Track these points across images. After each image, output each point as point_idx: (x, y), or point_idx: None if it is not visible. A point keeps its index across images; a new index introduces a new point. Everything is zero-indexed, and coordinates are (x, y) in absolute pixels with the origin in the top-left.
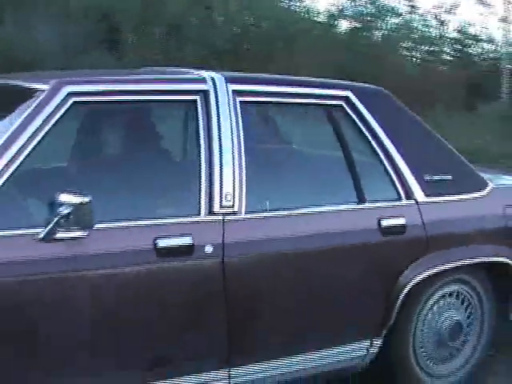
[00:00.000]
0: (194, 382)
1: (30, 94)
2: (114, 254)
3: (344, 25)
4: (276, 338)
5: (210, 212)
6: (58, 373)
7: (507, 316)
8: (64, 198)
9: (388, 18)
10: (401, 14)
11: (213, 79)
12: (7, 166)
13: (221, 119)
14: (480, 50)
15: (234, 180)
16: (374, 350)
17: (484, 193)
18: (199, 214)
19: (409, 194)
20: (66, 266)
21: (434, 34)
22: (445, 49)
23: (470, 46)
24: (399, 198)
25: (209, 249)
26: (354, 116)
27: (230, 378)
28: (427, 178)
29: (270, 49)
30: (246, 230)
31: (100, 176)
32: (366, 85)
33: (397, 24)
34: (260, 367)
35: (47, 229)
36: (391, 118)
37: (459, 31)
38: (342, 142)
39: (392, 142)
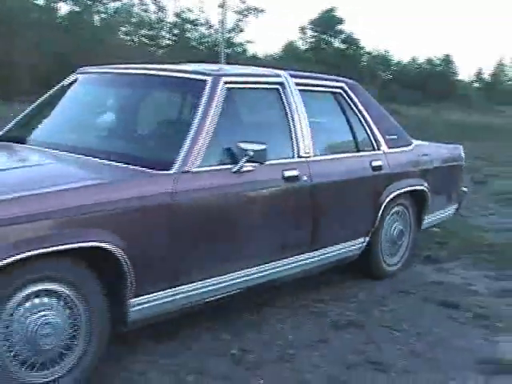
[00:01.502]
0: (293, 261)
1: (197, 83)
2: (265, 180)
3: (64, 8)
4: (332, 232)
5: (299, 156)
6: (237, 251)
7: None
8: (249, 146)
9: (108, 3)
10: None
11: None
12: (211, 131)
13: (295, 100)
14: (198, 35)
15: (308, 137)
16: (364, 245)
17: (411, 147)
18: (294, 157)
19: (380, 147)
20: (244, 188)
21: (153, 19)
22: (164, 33)
23: (189, 31)
24: (377, 149)
25: (304, 177)
26: (347, 98)
27: (313, 255)
28: (387, 137)
29: None
30: (317, 166)
31: (258, 134)
32: (351, 80)
33: (116, 8)
34: (323, 250)
35: (238, 166)
36: (365, 100)
37: (177, 16)
38: (345, 114)
39: (368, 114)
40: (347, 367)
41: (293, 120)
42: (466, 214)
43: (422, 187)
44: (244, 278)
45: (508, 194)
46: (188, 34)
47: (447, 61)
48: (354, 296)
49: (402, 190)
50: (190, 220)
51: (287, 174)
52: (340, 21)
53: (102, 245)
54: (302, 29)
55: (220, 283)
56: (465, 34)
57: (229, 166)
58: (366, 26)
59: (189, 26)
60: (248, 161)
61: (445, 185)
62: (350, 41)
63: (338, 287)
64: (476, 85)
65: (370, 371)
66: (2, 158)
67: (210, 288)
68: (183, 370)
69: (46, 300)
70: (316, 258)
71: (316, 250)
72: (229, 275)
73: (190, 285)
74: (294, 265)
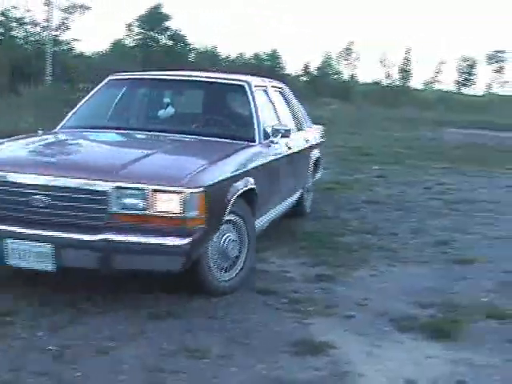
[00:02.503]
0: (293, 198)
1: (237, 87)
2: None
3: None
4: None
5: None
6: (281, 191)
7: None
8: (280, 126)
9: None
10: None
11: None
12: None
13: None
14: (24, 34)
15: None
16: (300, 196)
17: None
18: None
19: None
20: (278, 155)
21: None
22: None
23: (14, 29)
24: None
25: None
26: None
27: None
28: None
29: None
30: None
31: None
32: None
33: None
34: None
35: (276, 139)
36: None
37: (2, 14)
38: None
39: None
40: (164, 355)
41: (292, 110)
42: None
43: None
44: (281, 210)
45: (327, 184)
46: (14, 33)
47: (274, 56)
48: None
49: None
50: (272, 172)
51: (291, 144)
52: (167, 17)
53: (254, 186)
54: (129, 26)
55: (275, 212)
56: (292, 29)
57: (271, 139)
58: (193, 22)
59: (14, 24)
60: (282, 136)
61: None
62: (177, 37)
63: (159, 280)
64: (303, 78)
65: (186, 358)
66: (143, 140)
67: (271, 215)
68: (1, 369)
69: (228, 226)
70: (294, 198)
71: (295, 193)
72: (278, 206)
73: (268, 212)
74: (291, 202)
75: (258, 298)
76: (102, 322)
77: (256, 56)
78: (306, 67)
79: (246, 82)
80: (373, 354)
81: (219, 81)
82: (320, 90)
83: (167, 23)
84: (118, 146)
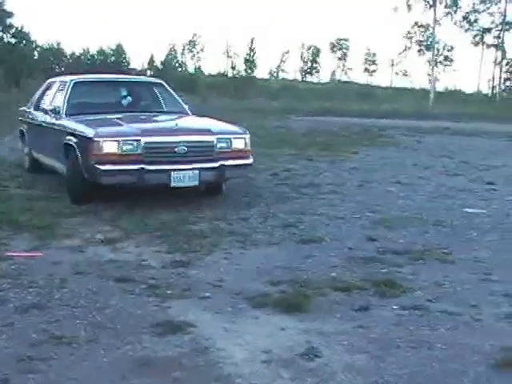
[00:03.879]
0: None
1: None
2: None
3: None
4: None
5: None
6: None
7: None
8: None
9: None
10: None
11: None
12: None
13: None
14: None
15: None
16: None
17: None
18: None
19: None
20: None
21: None
22: None
23: None
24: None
25: None
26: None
27: None
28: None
29: None
30: None
31: None
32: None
33: None
34: None
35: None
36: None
37: None
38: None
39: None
40: (32, 345)
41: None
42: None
43: None
44: None
45: None
46: None
47: (119, 50)
48: (32, 282)
49: None
50: None
51: None
52: (9, 14)
53: None
54: None
55: None
56: (136, 23)
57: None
58: (36, 19)
59: None
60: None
61: None
62: (21, 35)
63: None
64: (149, 72)
65: (53, 345)
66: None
67: None
68: None
69: None
70: None
71: None
72: None
73: None
74: None
75: (117, 286)
76: None
77: (101, 51)
78: (151, 61)
79: (161, 81)
80: (230, 330)
81: (147, 80)
82: (165, 83)
83: (9, 20)
84: (159, 120)
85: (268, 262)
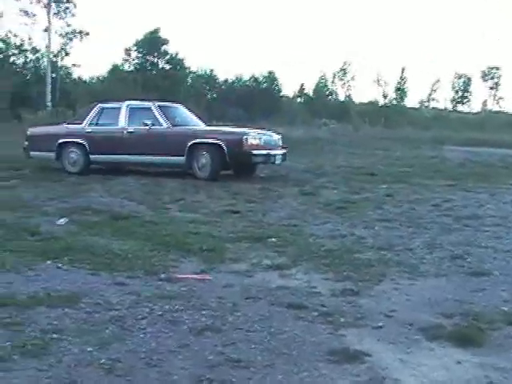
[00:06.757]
0: None
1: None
2: None
3: None
4: None
5: None
6: None
7: None
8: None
9: None
10: None
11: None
12: None
13: None
14: (24, 60)
15: None
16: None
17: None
18: None
19: None
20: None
21: None
22: None
23: (14, 56)
24: None
25: None
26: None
27: None
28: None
29: None
30: None
31: None
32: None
33: None
34: None
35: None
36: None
37: (3, 41)
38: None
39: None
40: (210, 367)
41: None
42: (300, 224)
43: None
44: None
45: (337, 203)
46: (13, 59)
47: (271, 77)
48: (204, 304)
49: None
50: None
51: None
52: (165, 41)
53: None
54: (127, 50)
55: None
56: (287, 51)
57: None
58: (190, 46)
59: (14, 51)
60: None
61: None
62: (175, 61)
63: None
64: (299, 100)
65: (232, 368)
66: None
67: None
68: None
69: None
70: None
71: None
72: None
73: None
74: None
75: (289, 312)
76: (144, 337)
77: (253, 78)
78: (302, 88)
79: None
80: (406, 361)
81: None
82: (316, 110)
83: (165, 47)
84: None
85: (438, 293)
